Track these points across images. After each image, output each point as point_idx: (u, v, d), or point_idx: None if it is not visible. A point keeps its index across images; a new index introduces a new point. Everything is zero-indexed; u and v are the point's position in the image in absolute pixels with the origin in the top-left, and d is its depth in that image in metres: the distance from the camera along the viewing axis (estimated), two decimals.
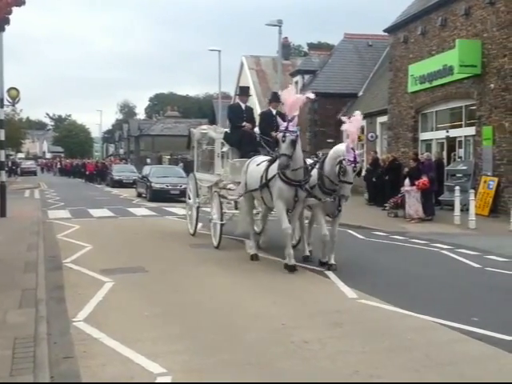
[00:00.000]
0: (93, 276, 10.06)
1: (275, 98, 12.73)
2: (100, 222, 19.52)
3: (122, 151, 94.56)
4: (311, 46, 67.30)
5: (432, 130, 24.49)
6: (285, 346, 6.32)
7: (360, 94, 33.57)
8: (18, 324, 6.66)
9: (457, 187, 18.02)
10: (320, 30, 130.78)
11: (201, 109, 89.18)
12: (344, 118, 10.92)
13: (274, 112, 12.52)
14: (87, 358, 5.90)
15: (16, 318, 6.90)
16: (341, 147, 10.35)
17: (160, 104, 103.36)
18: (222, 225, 12.87)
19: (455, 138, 22.86)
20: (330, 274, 10.11)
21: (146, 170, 33.20)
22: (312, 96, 11.50)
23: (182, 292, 8.97)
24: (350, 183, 10.21)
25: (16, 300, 7.77)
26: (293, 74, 39.10)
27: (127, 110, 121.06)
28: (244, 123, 13.13)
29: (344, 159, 10.04)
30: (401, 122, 26.11)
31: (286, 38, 43.98)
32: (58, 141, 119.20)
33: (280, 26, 28.69)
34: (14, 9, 9.26)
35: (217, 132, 14.49)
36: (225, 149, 13.60)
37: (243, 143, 12.96)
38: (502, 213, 18.64)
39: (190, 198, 16.01)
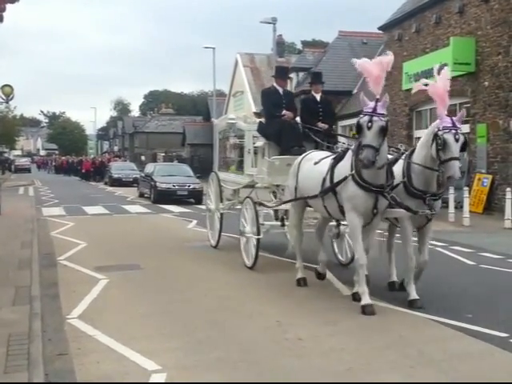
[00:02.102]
0: (87, 273, 10.04)
1: (318, 80, 11.12)
2: (94, 219, 19.49)
3: (116, 148, 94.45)
4: (305, 43, 67.35)
5: (426, 128, 24.46)
6: (279, 344, 6.32)
7: (354, 91, 33.57)
8: (12, 321, 6.64)
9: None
10: (314, 27, 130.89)
11: (195, 106, 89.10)
12: (425, 81, 8.59)
13: (318, 97, 10.81)
14: (82, 355, 5.89)
15: (10, 315, 6.88)
16: (434, 123, 7.92)
17: (154, 101, 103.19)
18: (258, 240, 10.11)
19: None
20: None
21: (150, 167, 30.51)
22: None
23: (177, 289, 8.96)
24: (456, 159, 7.49)
25: (10, 297, 7.75)
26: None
27: (121, 107, 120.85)
28: (284, 111, 10.64)
29: (439, 129, 7.53)
30: (395, 119, 26.13)
31: (281, 35, 43.94)
32: (52, 138, 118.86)
33: (274, 24, 28.70)
34: (8, 6, 9.23)
35: (248, 122, 11.88)
36: (259, 143, 11.03)
37: (284, 136, 10.48)
38: (496, 210, 18.71)
39: (210, 203, 13.38)
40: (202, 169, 36.18)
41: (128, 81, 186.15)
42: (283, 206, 10.18)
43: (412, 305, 7.73)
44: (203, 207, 22.90)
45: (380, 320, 7.21)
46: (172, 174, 27.60)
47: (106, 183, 42.00)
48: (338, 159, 8.14)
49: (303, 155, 9.27)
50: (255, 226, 10.13)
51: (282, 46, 46.36)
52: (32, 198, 28.13)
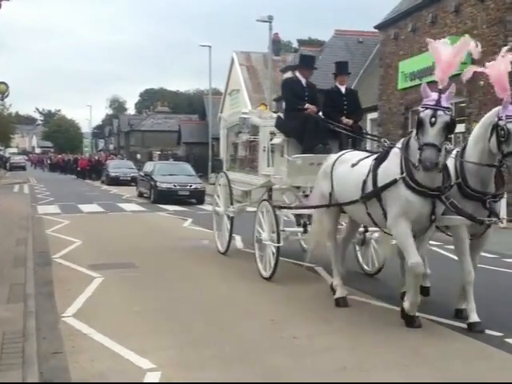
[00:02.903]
0: (82, 271, 10.02)
1: (343, 70, 10.23)
2: (89, 217, 19.46)
3: (111, 147, 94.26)
4: (301, 42, 67.27)
5: None
6: (274, 342, 6.32)
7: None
8: (6, 319, 6.62)
9: None
10: (310, 26, 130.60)
11: (191, 104, 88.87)
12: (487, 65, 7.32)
13: (343, 89, 9.97)
14: (76, 354, 5.87)
15: (4, 313, 6.86)
16: (490, 113, 7.04)
17: (150, 99, 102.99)
18: (278, 248, 9.06)
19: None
20: (319, 269, 10.10)
21: (149, 166, 29.02)
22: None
23: (172, 287, 8.95)
24: None
25: (4, 295, 7.73)
26: (283, 70, 39.07)
27: (117, 106, 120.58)
28: (307, 105, 9.66)
29: (501, 118, 6.65)
30: (391, 118, 26.16)
31: (277, 33, 43.92)
32: (48, 136, 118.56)
33: (270, 22, 28.67)
34: (4, 3, 9.22)
35: (263, 117, 10.70)
36: (276, 140, 9.86)
37: (306, 133, 9.42)
38: None
39: (218, 205, 12.29)
40: (198, 167, 36.10)
41: (124, 79, 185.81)
42: (307, 211, 9.26)
43: (472, 328, 6.72)
44: (202, 207, 23.02)
45: (375, 319, 7.21)
46: (173, 174, 26.49)
47: (102, 182, 41.04)
48: (379, 160, 7.18)
49: (336, 156, 8.16)
50: (275, 233, 9.08)
51: (278, 45, 46.34)
52: (27, 196, 28.07)
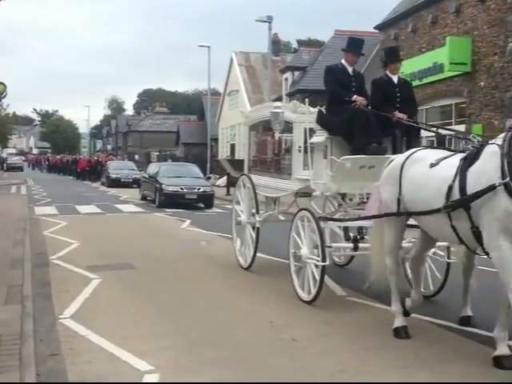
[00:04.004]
0: (80, 273, 9.98)
1: (395, 56, 8.87)
2: (87, 218, 19.41)
3: (109, 147, 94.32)
4: (301, 42, 67.36)
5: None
6: (273, 344, 6.29)
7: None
8: (3, 321, 6.58)
9: None
10: (310, 26, 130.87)
11: (190, 105, 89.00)
12: None
13: (395, 79, 8.61)
14: (74, 356, 5.84)
15: (1, 315, 6.81)
16: None
17: (148, 100, 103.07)
18: (323, 268, 7.65)
19: (445, 135, 22.89)
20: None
21: (154, 167, 27.26)
22: None
23: (170, 289, 8.91)
24: None
25: (2, 296, 7.68)
26: (283, 71, 39.09)
27: (115, 106, 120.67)
28: (355, 96, 8.30)
29: None
30: None
31: (276, 34, 43.95)
32: (45, 136, 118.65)
33: (270, 22, 28.64)
34: (2, 3, 9.16)
35: (298, 112, 9.16)
36: (318, 139, 8.51)
37: (357, 129, 8.03)
38: None
39: (240, 213, 10.73)
40: None
41: (122, 79, 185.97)
42: (362, 223, 8.02)
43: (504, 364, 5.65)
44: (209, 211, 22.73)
45: (374, 321, 7.18)
46: (179, 176, 24.68)
47: (103, 183, 39.60)
48: (470, 160, 5.85)
49: (406, 155, 6.70)
50: (319, 249, 7.73)
51: (277, 45, 46.39)
52: (24, 197, 28.00)
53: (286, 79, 38.07)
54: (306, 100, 8.96)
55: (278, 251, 10.49)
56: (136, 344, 6.17)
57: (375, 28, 28.25)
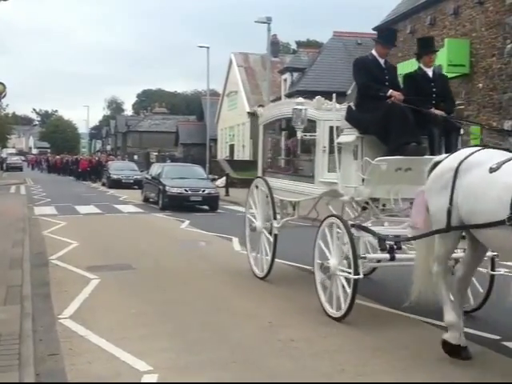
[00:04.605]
0: (79, 273, 9.98)
1: (430, 47, 8.20)
2: (86, 218, 19.42)
3: (109, 147, 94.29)
4: (300, 43, 67.42)
5: None
6: (271, 345, 6.30)
7: (349, 92, 33.57)
8: (2, 321, 6.58)
9: None
10: (309, 27, 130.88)
11: (189, 106, 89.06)
12: None
13: (430, 72, 7.94)
14: (73, 356, 5.85)
15: (1, 315, 6.81)
16: None
17: (148, 100, 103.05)
18: (356, 282, 6.85)
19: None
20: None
21: (157, 168, 26.39)
22: None
23: (169, 290, 8.92)
24: None
25: (1, 296, 7.68)
26: (282, 72, 39.15)
27: (115, 106, 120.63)
28: (390, 91, 7.52)
29: None
30: None
31: (275, 35, 43.99)
32: (45, 136, 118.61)
33: (269, 23, 28.65)
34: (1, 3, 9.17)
35: (323, 109, 8.31)
36: (347, 138, 7.71)
37: (394, 127, 7.26)
38: None
39: (254, 219, 9.98)
40: None
41: (121, 80, 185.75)
42: (400, 231, 7.36)
43: None
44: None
45: (373, 322, 7.19)
46: (183, 177, 23.88)
47: (103, 184, 38.87)
48: None
49: (460, 157, 5.79)
50: (350, 260, 6.94)
51: (276, 46, 46.41)
52: (24, 197, 27.99)
53: (285, 80, 38.14)
54: (334, 95, 8.15)
55: (278, 253, 10.50)
56: (135, 344, 6.18)
57: (374, 29, 28.23)
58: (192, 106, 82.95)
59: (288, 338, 6.48)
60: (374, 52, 8.03)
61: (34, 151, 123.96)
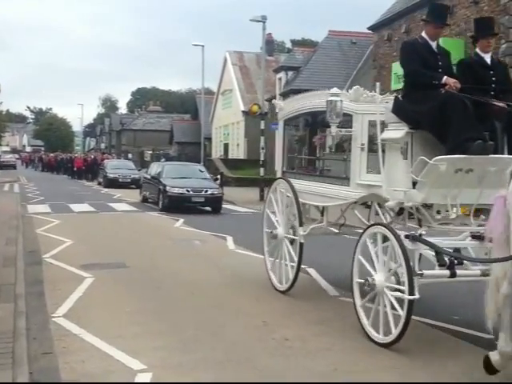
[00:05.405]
0: (73, 271, 9.97)
1: (488, 30, 7.05)
2: (80, 216, 19.38)
3: (103, 146, 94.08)
4: (295, 42, 67.44)
5: None
6: (265, 343, 6.31)
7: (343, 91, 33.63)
8: None
9: None
10: (304, 26, 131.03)
11: (183, 104, 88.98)
12: None
13: (488, 58, 6.87)
14: (67, 354, 5.84)
15: None
16: None
17: (142, 98, 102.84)
18: (411, 303, 5.95)
19: None
20: (311, 271, 10.06)
21: (156, 167, 25.19)
22: None
23: (163, 288, 8.91)
24: None
25: None
26: (276, 71, 39.14)
27: (109, 104, 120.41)
28: (445, 78, 6.46)
29: None
30: None
31: (270, 34, 43.96)
32: (39, 134, 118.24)
33: (264, 22, 28.62)
34: None
35: (361, 101, 7.33)
36: (395, 134, 6.63)
37: (454, 121, 6.19)
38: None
39: (276, 225, 8.94)
40: None
41: (116, 77, 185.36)
42: (460, 242, 6.58)
43: None
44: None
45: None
46: (184, 176, 22.71)
47: (99, 183, 37.87)
48: None
49: None
50: (404, 277, 6.02)
51: (271, 45, 46.41)
52: (17, 195, 27.90)
53: (280, 79, 38.12)
54: (377, 84, 7.40)
55: None
56: (129, 343, 6.18)
57: (369, 29, 28.30)
58: (186, 105, 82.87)
59: (282, 337, 6.48)
60: (423, 34, 6.94)
61: (28, 149, 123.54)
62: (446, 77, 6.47)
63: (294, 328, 6.86)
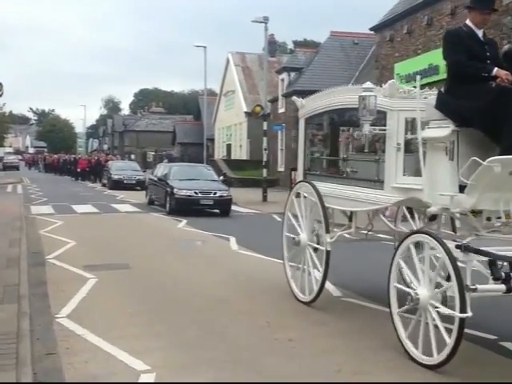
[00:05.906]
0: (76, 272, 9.98)
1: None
2: (84, 217, 19.39)
3: (106, 147, 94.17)
4: (297, 43, 67.43)
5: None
6: (269, 344, 6.31)
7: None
8: (0, 320, 6.58)
9: None
10: (306, 27, 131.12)
11: (186, 105, 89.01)
12: None
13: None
14: (70, 355, 5.85)
15: None
16: None
17: (145, 100, 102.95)
18: (462, 321, 5.37)
19: None
20: (314, 272, 10.04)
21: (163, 169, 24.42)
22: None
23: (166, 288, 8.92)
24: None
25: None
26: (279, 72, 39.13)
27: (112, 106, 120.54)
28: (496, 70, 5.85)
29: None
30: None
31: (273, 35, 44.01)
32: (42, 136, 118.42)
33: (266, 23, 28.61)
34: None
35: (397, 96, 6.70)
36: (438, 132, 6.02)
37: (508, 118, 5.56)
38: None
39: (299, 231, 8.39)
40: None
41: (118, 79, 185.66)
42: None
43: None
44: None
45: (371, 322, 7.20)
46: (192, 178, 22.01)
47: (104, 185, 37.00)
48: None
49: None
50: (454, 293, 5.44)
51: (273, 46, 46.41)
52: (20, 196, 27.93)
53: (282, 80, 38.10)
54: (418, 77, 6.82)
55: (277, 253, 10.51)
56: (132, 343, 6.18)
57: (371, 29, 28.31)
58: (189, 106, 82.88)
59: (286, 338, 6.48)
60: (468, 22, 6.35)
61: (31, 150, 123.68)
62: (496, 68, 5.86)
63: (297, 329, 6.86)
